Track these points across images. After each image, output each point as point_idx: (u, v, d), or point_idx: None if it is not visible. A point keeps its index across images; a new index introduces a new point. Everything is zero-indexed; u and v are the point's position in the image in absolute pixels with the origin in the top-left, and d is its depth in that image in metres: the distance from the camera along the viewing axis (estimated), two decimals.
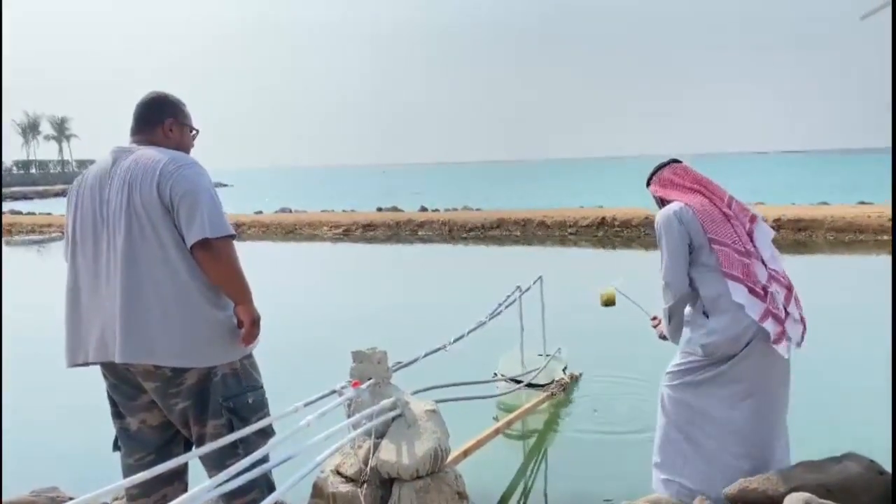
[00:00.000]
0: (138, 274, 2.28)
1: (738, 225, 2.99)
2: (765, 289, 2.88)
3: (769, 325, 2.82)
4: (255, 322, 2.39)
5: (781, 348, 2.83)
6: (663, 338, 3.26)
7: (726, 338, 2.85)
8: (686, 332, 3.04)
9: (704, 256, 2.93)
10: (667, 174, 3.12)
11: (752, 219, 3.06)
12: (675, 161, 3.18)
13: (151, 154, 2.37)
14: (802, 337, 2.93)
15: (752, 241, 3.00)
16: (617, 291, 4.42)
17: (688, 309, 3.08)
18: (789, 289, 2.97)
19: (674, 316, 3.06)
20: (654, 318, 3.45)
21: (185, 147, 2.57)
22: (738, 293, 2.85)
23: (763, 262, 2.95)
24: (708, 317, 2.91)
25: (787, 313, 2.90)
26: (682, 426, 3.03)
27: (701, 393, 2.97)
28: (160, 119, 2.51)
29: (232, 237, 2.34)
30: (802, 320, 2.95)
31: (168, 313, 2.28)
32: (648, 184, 3.19)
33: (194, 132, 2.64)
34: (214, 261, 2.29)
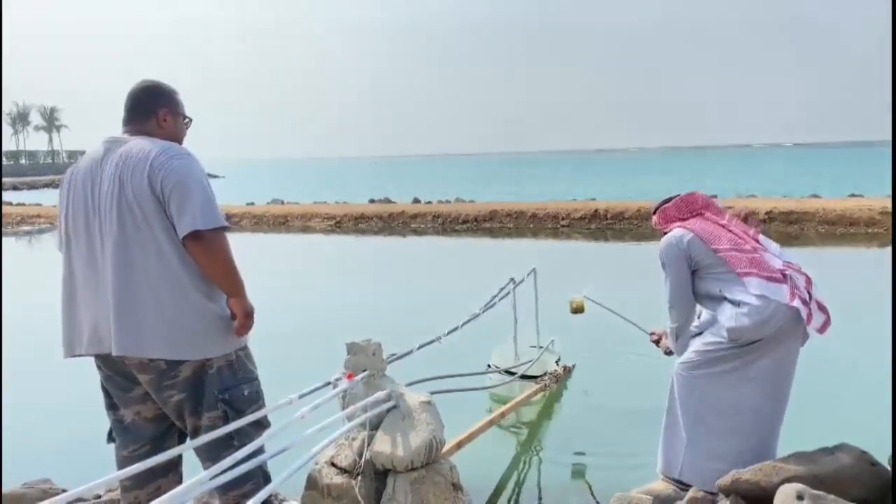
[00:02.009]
0: (131, 266, 2.25)
1: (740, 232, 3.13)
2: (782, 273, 2.96)
3: (798, 304, 2.89)
4: (247, 314, 2.37)
5: (811, 327, 2.92)
6: (668, 353, 3.37)
7: (753, 322, 2.90)
8: (710, 319, 3.11)
9: (717, 267, 3.04)
10: (669, 208, 3.29)
11: (755, 232, 3.19)
12: (680, 196, 3.34)
13: (143, 145, 2.33)
14: (825, 326, 2.98)
15: (758, 241, 3.13)
16: (586, 299, 4.68)
17: (703, 312, 3.22)
18: (808, 277, 3.04)
19: (681, 334, 3.20)
20: (653, 333, 3.64)
21: (178, 137, 2.53)
22: (754, 285, 2.92)
23: (776, 256, 3.06)
24: (738, 305, 2.95)
25: (810, 296, 2.97)
26: (692, 412, 3.07)
27: (718, 378, 3.02)
28: (154, 109, 2.48)
29: (224, 229, 2.31)
30: (824, 309, 3.00)
31: (161, 306, 2.25)
32: (654, 213, 3.37)
33: (188, 121, 2.60)
34: (206, 253, 2.26)
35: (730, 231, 3.10)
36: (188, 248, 2.26)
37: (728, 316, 2.96)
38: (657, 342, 3.61)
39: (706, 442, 3.03)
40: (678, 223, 3.19)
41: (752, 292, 2.91)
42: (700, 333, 3.14)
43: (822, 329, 2.96)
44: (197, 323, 2.29)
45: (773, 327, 2.91)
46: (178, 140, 2.52)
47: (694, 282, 3.12)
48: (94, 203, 2.32)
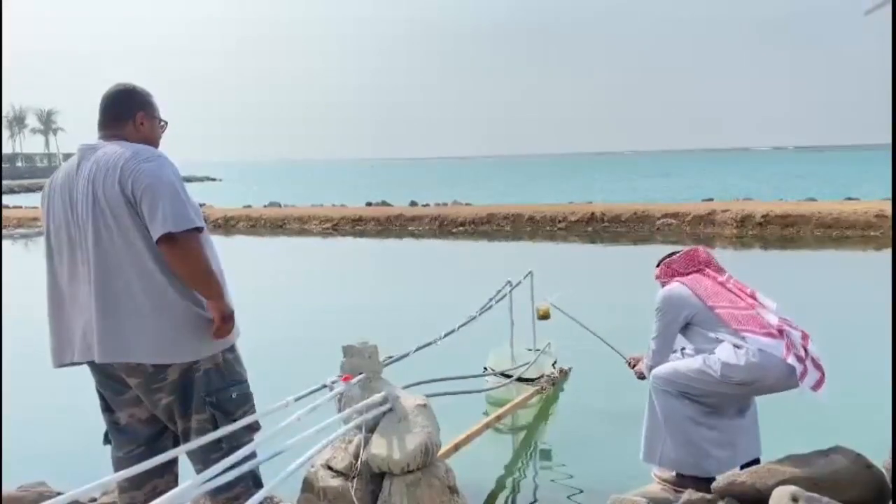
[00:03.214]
0: (109, 273, 2.25)
1: (737, 290, 3.21)
2: (779, 330, 3.01)
3: (793, 361, 2.94)
4: (225, 318, 2.33)
5: (805, 384, 2.95)
6: (641, 377, 3.50)
7: (749, 364, 2.96)
8: (693, 352, 3.19)
9: (714, 322, 3.10)
10: (675, 262, 3.37)
11: (753, 290, 3.25)
12: (685, 251, 3.42)
13: (114, 150, 2.32)
14: (820, 383, 2.99)
15: (755, 299, 3.19)
16: (552, 306, 5.05)
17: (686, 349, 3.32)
18: (804, 333, 3.07)
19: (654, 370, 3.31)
20: (632, 359, 3.75)
21: (154, 140, 2.52)
22: (751, 341, 2.98)
23: (772, 313, 3.10)
24: (738, 347, 3.01)
25: (806, 352, 3.00)
26: (667, 412, 3.17)
27: (691, 400, 3.13)
28: (131, 113, 2.46)
29: (198, 230, 2.26)
30: (819, 367, 3.02)
31: (142, 311, 2.25)
32: (658, 265, 3.44)
33: (163, 124, 2.58)
34: (179, 255, 2.22)
35: (727, 289, 3.19)
36: (162, 251, 2.23)
37: (727, 353, 3.01)
38: (632, 366, 3.73)
39: (682, 434, 3.14)
40: (678, 278, 3.29)
41: (749, 346, 2.98)
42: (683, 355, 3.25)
43: (816, 386, 2.99)
44: (179, 326, 2.28)
45: (765, 377, 2.97)
46: (155, 143, 2.51)
47: (691, 329, 3.20)
48: (73, 212, 2.32)
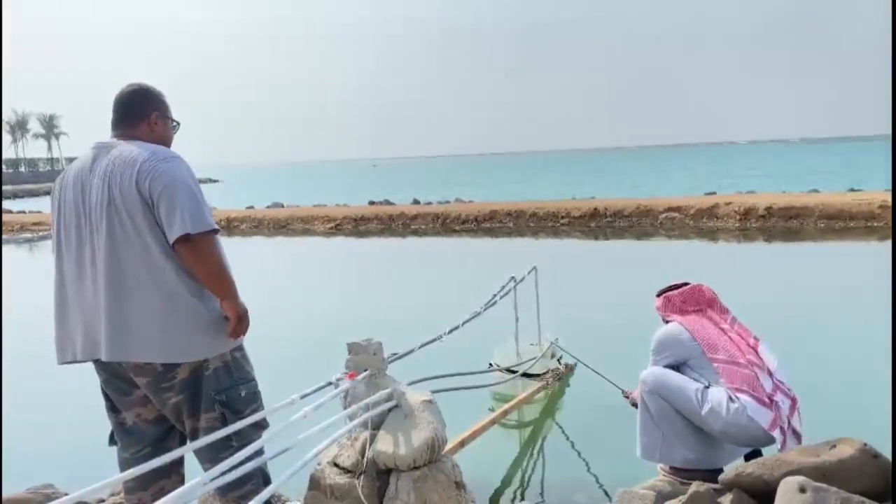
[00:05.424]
0: (121, 271, 2.25)
1: (739, 339, 3.11)
2: (770, 398, 2.96)
3: (777, 435, 2.91)
4: (240, 317, 2.36)
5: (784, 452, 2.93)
6: (635, 405, 3.44)
7: (732, 419, 2.94)
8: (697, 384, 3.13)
9: (708, 371, 3.07)
10: (675, 297, 3.28)
11: (756, 340, 3.17)
12: (688, 284, 3.33)
13: (131, 149, 2.33)
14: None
15: (756, 353, 3.09)
16: (554, 346, 5.34)
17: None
18: (793, 401, 3.03)
19: None
20: (628, 392, 3.73)
21: (167, 140, 2.53)
22: (746, 403, 2.94)
23: (769, 373, 3.03)
24: (731, 400, 2.98)
25: (789, 425, 2.97)
26: (659, 411, 3.18)
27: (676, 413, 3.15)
28: (145, 113, 2.47)
29: (214, 232, 2.29)
30: (798, 436, 3.00)
31: (153, 309, 2.25)
32: (658, 296, 3.36)
33: (175, 124, 2.60)
34: (196, 257, 2.25)
35: (728, 337, 3.10)
36: (178, 252, 2.25)
37: (718, 399, 2.97)
38: (628, 397, 3.73)
39: (678, 432, 3.14)
40: (679, 316, 3.21)
41: (740, 406, 2.95)
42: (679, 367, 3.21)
43: None
44: (190, 325, 2.29)
45: (741, 436, 2.97)
46: (167, 143, 2.52)
47: (685, 368, 3.17)
48: (84, 210, 2.32)
